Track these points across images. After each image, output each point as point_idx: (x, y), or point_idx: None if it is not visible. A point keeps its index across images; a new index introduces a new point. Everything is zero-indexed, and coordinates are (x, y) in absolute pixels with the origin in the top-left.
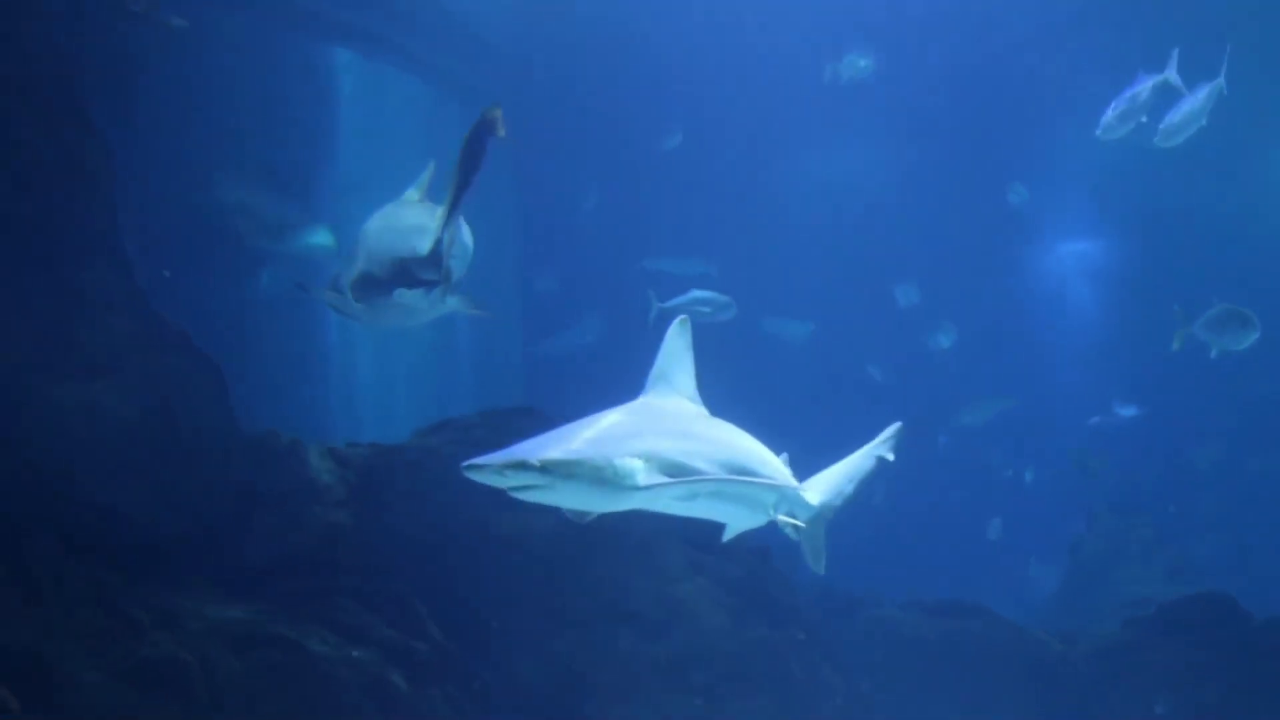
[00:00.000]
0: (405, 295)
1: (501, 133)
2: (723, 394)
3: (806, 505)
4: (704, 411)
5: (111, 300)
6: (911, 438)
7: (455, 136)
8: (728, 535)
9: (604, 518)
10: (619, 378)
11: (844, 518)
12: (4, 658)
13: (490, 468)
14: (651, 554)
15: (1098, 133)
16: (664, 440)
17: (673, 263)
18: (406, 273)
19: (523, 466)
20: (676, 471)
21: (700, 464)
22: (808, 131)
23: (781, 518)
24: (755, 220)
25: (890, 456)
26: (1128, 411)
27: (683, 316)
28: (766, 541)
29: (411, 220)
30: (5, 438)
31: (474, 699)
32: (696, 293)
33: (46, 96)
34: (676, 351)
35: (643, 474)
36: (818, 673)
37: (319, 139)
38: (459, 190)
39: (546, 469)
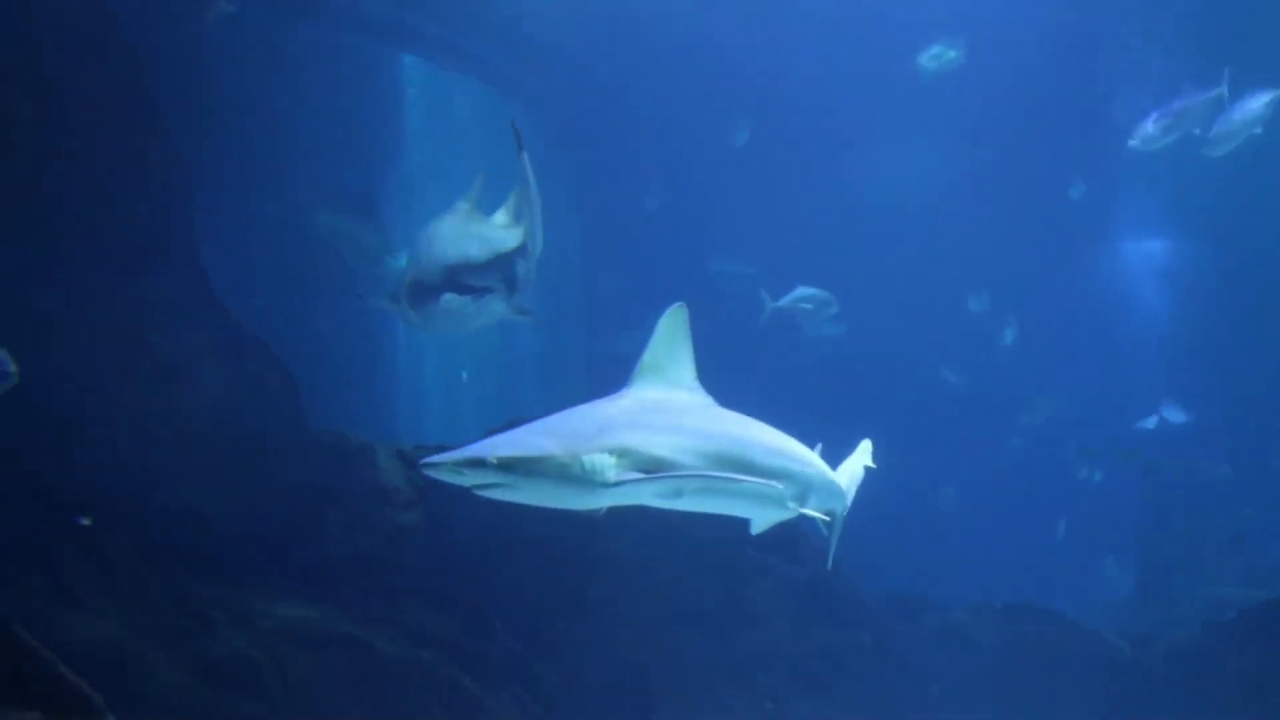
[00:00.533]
0: (453, 301)
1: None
2: (784, 395)
3: (840, 496)
4: (705, 402)
5: (187, 307)
6: (980, 439)
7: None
8: (756, 528)
9: (666, 518)
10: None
11: (913, 521)
12: (88, 654)
13: (446, 466)
14: (717, 556)
15: (1133, 142)
16: (642, 434)
17: (727, 263)
18: (453, 279)
19: (480, 464)
20: (654, 467)
21: (684, 459)
22: (872, 130)
23: (809, 511)
24: (818, 220)
25: (872, 465)
26: (1176, 415)
27: (679, 303)
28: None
29: (460, 229)
30: (85, 441)
31: (540, 701)
32: (802, 289)
33: (122, 107)
34: (670, 339)
35: (614, 470)
36: (885, 677)
37: (387, 144)
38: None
39: (505, 467)
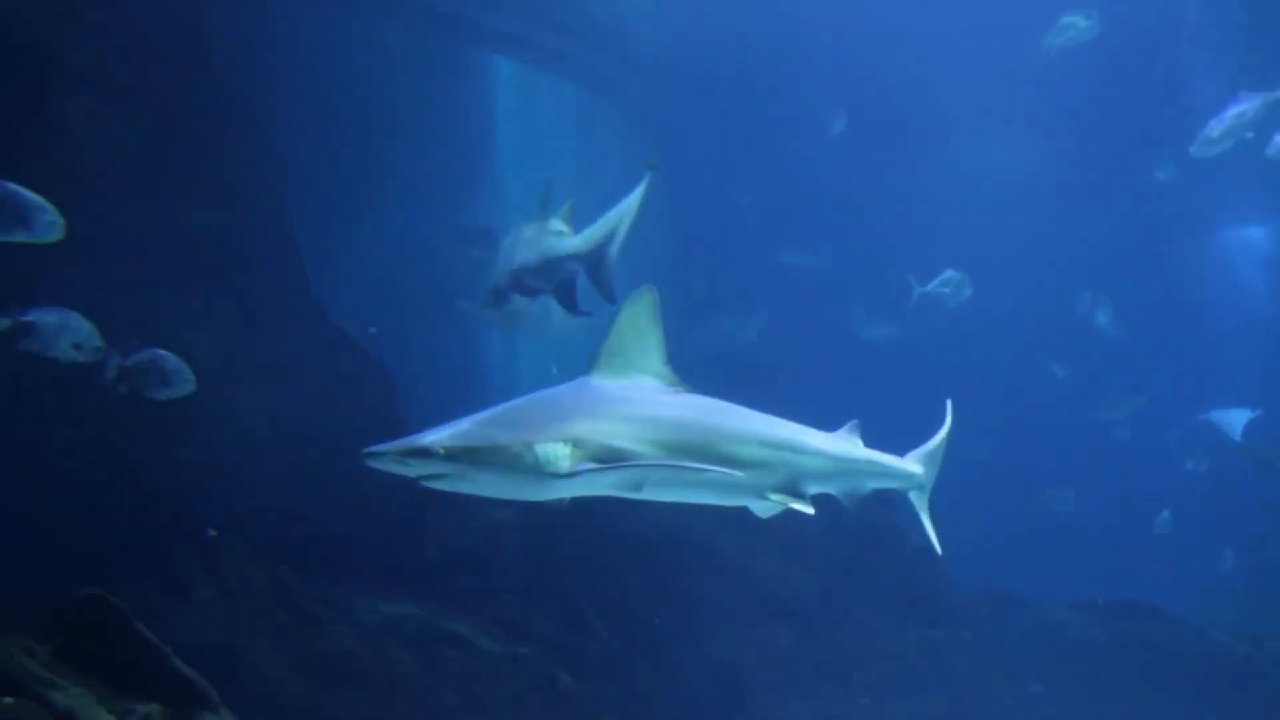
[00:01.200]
0: (518, 302)
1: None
2: (877, 389)
3: (821, 479)
4: (674, 388)
5: (289, 308)
6: (1082, 432)
7: (604, 137)
8: (766, 513)
9: (757, 515)
10: (780, 372)
11: (1015, 516)
12: (199, 649)
13: (389, 455)
14: (813, 552)
15: (1193, 150)
16: (600, 422)
17: (797, 255)
18: (519, 283)
19: (425, 455)
20: (612, 456)
21: (643, 448)
22: (962, 119)
23: (777, 497)
24: (914, 212)
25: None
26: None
27: (647, 286)
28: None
29: (532, 235)
30: (192, 440)
31: (637, 697)
32: (948, 273)
33: (227, 116)
34: (635, 324)
35: (568, 460)
36: (984, 673)
37: (480, 147)
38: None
39: (453, 457)
